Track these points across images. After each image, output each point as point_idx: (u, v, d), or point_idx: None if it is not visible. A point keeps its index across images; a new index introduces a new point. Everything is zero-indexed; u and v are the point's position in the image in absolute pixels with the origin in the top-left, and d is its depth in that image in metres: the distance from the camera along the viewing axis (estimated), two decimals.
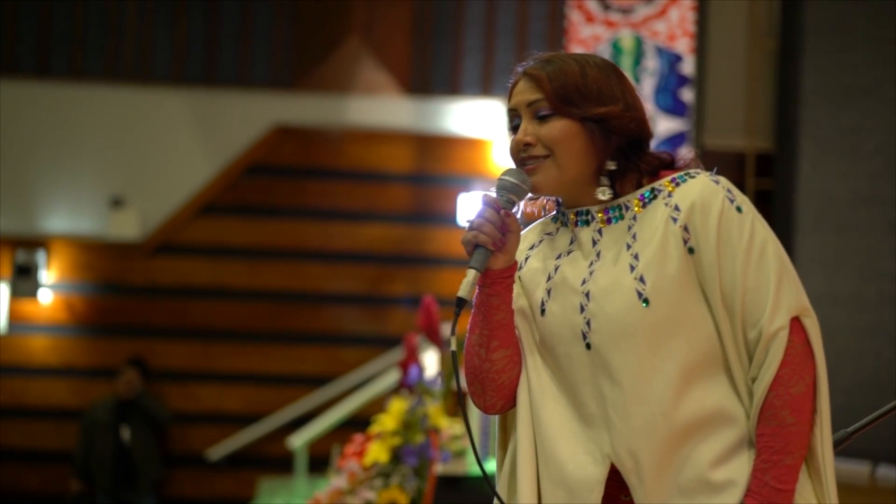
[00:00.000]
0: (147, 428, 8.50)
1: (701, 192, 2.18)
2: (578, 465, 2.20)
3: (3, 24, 8.90)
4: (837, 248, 8.12)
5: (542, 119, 2.26)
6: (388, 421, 4.48)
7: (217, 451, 8.74)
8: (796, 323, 2.18)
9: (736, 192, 2.22)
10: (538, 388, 2.25)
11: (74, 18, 8.92)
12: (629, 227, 2.22)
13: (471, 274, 2.20)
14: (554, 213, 2.34)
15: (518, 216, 2.26)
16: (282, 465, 8.47)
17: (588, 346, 2.19)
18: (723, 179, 2.22)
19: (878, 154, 8.08)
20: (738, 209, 2.18)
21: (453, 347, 2.19)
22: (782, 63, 8.66)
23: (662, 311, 2.15)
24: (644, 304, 2.15)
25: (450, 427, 4.66)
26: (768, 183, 8.67)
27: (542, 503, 2.25)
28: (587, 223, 2.26)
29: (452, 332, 2.19)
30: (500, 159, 8.99)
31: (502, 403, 2.29)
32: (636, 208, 2.23)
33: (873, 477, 7.62)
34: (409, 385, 4.65)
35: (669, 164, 2.28)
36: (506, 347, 2.26)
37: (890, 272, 7.80)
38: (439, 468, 4.60)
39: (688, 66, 7.83)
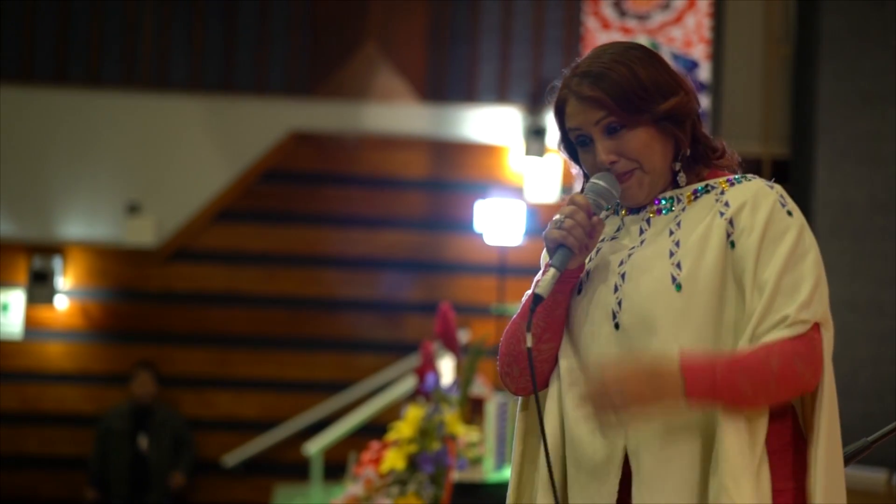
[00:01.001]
0: (166, 438, 8.50)
1: (755, 192, 2.20)
2: (596, 448, 2.21)
3: (20, 30, 8.93)
4: (855, 254, 8.09)
5: (613, 132, 2.24)
6: (404, 428, 4.48)
7: (233, 458, 8.74)
8: (818, 329, 2.16)
9: (789, 199, 2.23)
10: (566, 372, 2.27)
11: (92, 25, 8.95)
12: (676, 217, 2.24)
13: (550, 273, 2.20)
14: None
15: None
16: (298, 471, 8.47)
17: (616, 327, 2.20)
18: (778, 186, 2.24)
19: (895, 160, 8.06)
20: (789, 213, 2.20)
21: (529, 344, 2.19)
22: (798, 69, 8.64)
23: (694, 299, 2.15)
24: (676, 289, 2.16)
25: (466, 434, 4.65)
26: (785, 189, 8.64)
27: (568, 485, 2.27)
28: (637, 212, 2.29)
29: (528, 329, 2.19)
30: (516, 165, 8.99)
31: (536, 386, 2.29)
32: (687, 200, 2.25)
33: (891, 484, 7.59)
34: (426, 392, 4.64)
35: (718, 152, 2.29)
36: (554, 341, 2.28)
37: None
38: (456, 475, 4.60)
39: (704, 73, 7.82)
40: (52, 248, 8.81)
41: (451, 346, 4.78)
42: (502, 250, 8.42)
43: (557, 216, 2.24)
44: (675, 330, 2.15)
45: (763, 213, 2.17)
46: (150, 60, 9.01)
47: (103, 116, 8.95)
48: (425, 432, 4.43)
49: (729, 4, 8.57)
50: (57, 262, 8.75)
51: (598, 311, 2.23)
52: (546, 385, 2.32)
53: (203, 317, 8.87)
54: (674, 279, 2.16)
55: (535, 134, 8.86)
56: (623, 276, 2.22)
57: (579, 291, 2.28)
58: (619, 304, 2.20)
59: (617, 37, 8.05)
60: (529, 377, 2.23)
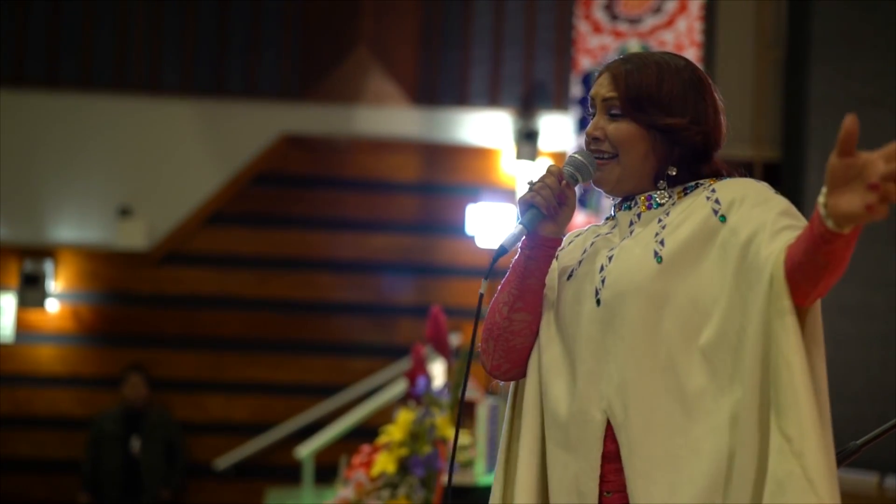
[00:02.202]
0: (159, 442, 8.50)
1: (744, 184, 2.27)
2: (578, 427, 2.25)
3: (12, 33, 8.92)
4: None
5: (613, 117, 2.34)
6: (395, 431, 4.48)
7: (224, 461, 8.74)
8: None
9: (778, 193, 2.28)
10: (549, 361, 2.31)
11: (83, 28, 8.95)
12: (665, 210, 2.31)
13: (517, 228, 2.29)
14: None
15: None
16: (289, 474, 8.46)
17: (598, 303, 2.25)
18: (766, 184, 2.30)
19: None
20: (776, 192, 2.25)
21: (482, 290, 2.26)
22: (790, 73, 8.65)
23: (673, 271, 2.21)
24: (658, 261, 2.22)
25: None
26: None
27: (548, 465, 2.31)
28: (629, 208, 2.35)
29: (486, 277, 2.26)
30: (508, 169, 8.99)
31: (508, 367, 2.37)
32: (677, 196, 2.33)
33: (881, 487, 7.60)
34: (417, 395, 4.64)
35: (721, 174, 2.36)
36: (528, 312, 2.33)
37: None
38: (447, 479, 4.60)
39: None
40: (44, 252, 8.80)
41: (442, 349, 4.78)
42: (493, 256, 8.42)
43: (531, 180, 2.33)
44: (654, 301, 2.20)
45: (752, 193, 2.23)
46: (141, 64, 9.00)
47: (95, 120, 8.94)
48: (416, 436, 4.43)
49: (720, 8, 8.58)
50: (48, 266, 8.74)
51: (584, 293, 2.29)
52: (519, 363, 2.36)
53: (195, 320, 8.87)
54: (656, 254, 2.23)
55: (527, 137, 8.86)
56: (610, 258, 2.29)
57: (569, 278, 2.34)
58: (603, 281, 2.26)
59: (608, 41, 8.06)
60: (502, 354, 2.33)
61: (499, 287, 2.38)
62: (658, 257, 2.22)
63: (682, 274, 2.20)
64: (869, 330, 7.93)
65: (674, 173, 2.32)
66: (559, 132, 8.81)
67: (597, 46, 8.06)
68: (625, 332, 2.21)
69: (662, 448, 2.17)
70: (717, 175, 2.35)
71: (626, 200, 2.36)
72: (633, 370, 2.20)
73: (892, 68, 8.11)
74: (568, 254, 2.39)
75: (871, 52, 8.23)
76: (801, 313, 2.14)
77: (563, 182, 2.31)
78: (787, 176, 8.52)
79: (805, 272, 2.07)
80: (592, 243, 2.36)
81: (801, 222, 2.16)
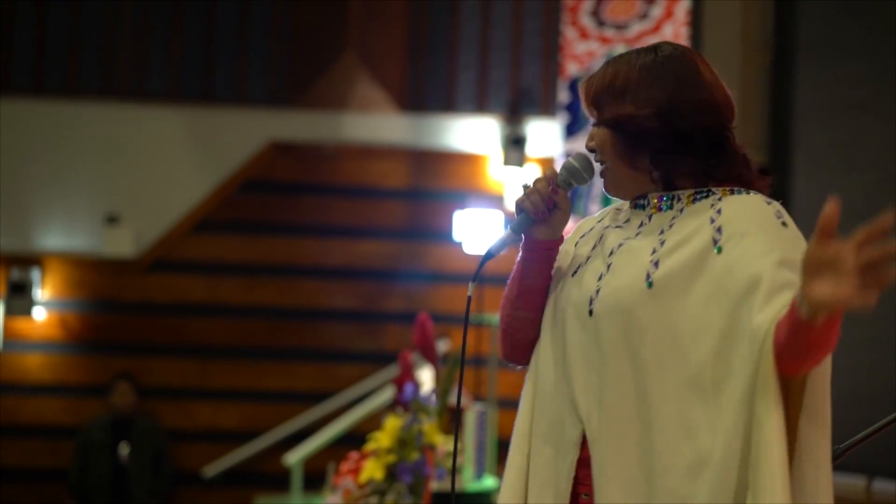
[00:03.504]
0: (147, 450, 8.48)
1: (749, 204, 2.21)
2: (559, 427, 2.27)
3: None
4: None
5: (594, 125, 2.33)
6: (383, 438, 4.47)
7: (213, 469, 8.72)
8: None
9: (787, 215, 2.22)
10: (544, 358, 2.34)
11: (70, 35, 8.93)
12: (673, 217, 2.26)
13: (505, 233, 2.34)
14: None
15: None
16: (277, 482, 8.45)
17: (590, 313, 2.24)
18: (776, 203, 2.24)
19: (873, 169, 8.09)
20: (783, 224, 2.19)
21: (470, 293, 2.31)
22: (776, 78, 8.67)
23: (661, 299, 2.17)
24: (648, 286, 2.19)
25: (445, 444, 4.65)
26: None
27: (531, 457, 2.33)
28: (643, 207, 2.31)
29: (474, 280, 2.31)
30: (496, 175, 9.00)
31: (517, 356, 2.41)
32: (686, 201, 2.27)
33: (869, 491, 7.61)
34: (405, 402, 4.64)
35: (727, 174, 2.28)
36: (527, 310, 2.36)
37: (886, 286, 7.79)
38: (434, 485, 4.60)
39: None
40: (31, 260, 8.78)
41: (430, 356, 4.78)
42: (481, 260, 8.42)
43: (526, 184, 2.35)
44: (644, 324, 2.18)
45: (756, 222, 2.18)
46: (128, 70, 8.99)
47: (82, 127, 8.93)
48: (404, 442, 4.43)
49: (706, 13, 8.60)
50: (35, 274, 8.72)
51: (582, 296, 2.28)
52: (526, 353, 2.38)
53: (182, 327, 8.85)
54: (648, 276, 2.19)
55: (515, 143, 8.87)
56: (609, 266, 2.26)
57: (574, 274, 2.33)
58: (598, 292, 2.25)
59: (595, 46, 8.07)
60: (510, 344, 2.39)
61: (507, 284, 2.41)
62: (649, 281, 2.19)
63: (668, 303, 2.18)
64: (856, 334, 7.93)
65: (657, 174, 2.27)
66: (546, 138, 8.82)
67: (584, 52, 8.07)
68: (607, 349, 2.22)
69: (627, 473, 2.17)
70: (735, 179, 2.27)
71: (640, 198, 2.32)
72: (610, 390, 2.20)
73: (879, 73, 8.13)
74: (583, 245, 2.37)
75: (858, 56, 8.24)
76: (799, 381, 2.12)
77: (552, 188, 2.30)
78: (773, 181, 8.53)
79: (791, 352, 2.05)
80: (602, 237, 2.34)
81: (796, 275, 2.04)
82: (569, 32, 8.12)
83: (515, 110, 9.03)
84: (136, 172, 8.97)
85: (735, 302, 2.11)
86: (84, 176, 8.92)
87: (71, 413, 8.74)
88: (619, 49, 8.01)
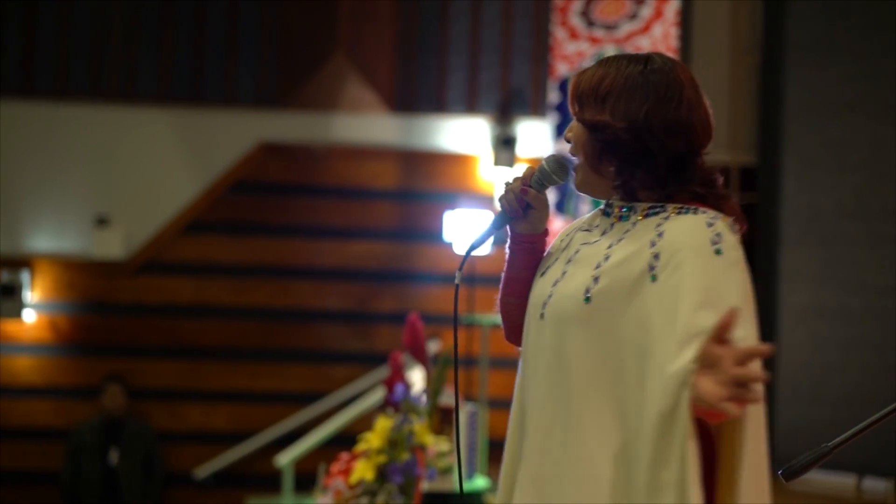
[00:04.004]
0: (137, 453, 8.47)
1: (689, 227, 2.24)
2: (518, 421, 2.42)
3: None
4: (822, 261, 8.14)
5: (575, 119, 2.40)
6: (373, 439, 4.47)
7: (204, 470, 8.72)
8: None
9: (727, 238, 2.23)
10: (521, 358, 2.46)
11: (59, 37, 8.92)
12: (626, 230, 2.31)
13: (485, 228, 2.47)
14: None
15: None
16: (269, 483, 8.45)
17: (542, 316, 2.35)
18: (721, 224, 2.24)
19: (862, 168, 8.11)
20: (717, 252, 2.21)
21: (457, 281, 2.45)
22: (765, 78, 8.68)
23: (597, 314, 2.25)
24: (585, 301, 2.27)
25: (435, 444, 4.65)
26: (752, 197, 8.69)
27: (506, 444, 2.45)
28: (608, 214, 2.39)
29: (460, 269, 2.45)
30: (486, 175, 9.00)
31: (514, 338, 2.51)
32: (640, 214, 2.32)
33: (859, 489, 7.63)
34: (395, 403, 4.64)
35: (689, 193, 2.33)
36: (514, 297, 2.47)
37: (875, 285, 7.82)
38: (425, 485, 4.60)
39: None
40: (20, 262, 8.77)
41: (420, 356, 4.78)
42: (472, 260, 8.43)
43: (507, 181, 2.47)
44: (579, 336, 2.27)
45: (692, 253, 2.20)
46: (118, 72, 8.98)
47: (71, 129, 8.92)
48: (394, 443, 4.43)
49: (696, 14, 8.61)
50: (25, 276, 8.70)
51: (538, 298, 2.39)
52: (516, 334, 2.49)
53: (173, 329, 8.85)
54: (587, 291, 2.27)
55: (505, 143, 8.88)
56: (564, 273, 2.35)
57: (542, 273, 2.43)
58: (550, 297, 2.35)
59: (585, 47, 8.08)
60: (507, 325, 2.50)
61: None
62: (587, 296, 2.26)
63: (604, 320, 2.24)
64: (847, 333, 7.95)
65: (617, 183, 2.33)
66: (537, 138, 8.83)
67: (573, 53, 8.08)
68: (547, 353, 2.32)
69: (543, 474, 2.29)
70: (693, 197, 2.31)
71: (608, 205, 2.39)
72: (543, 391, 2.31)
73: (869, 72, 8.14)
74: (558, 245, 2.47)
75: (847, 56, 8.26)
76: (726, 424, 2.16)
77: (522, 188, 2.40)
78: (763, 180, 8.55)
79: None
80: (571, 238, 2.43)
81: (716, 316, 2.08)
82: (558, 33, 8.13)
83: (505, 111, 9.03)
84: (126, 174, 8.96)
85: (656, 337, 2.17)
86: (74, 178, 8.91)
87: (61, 415, 8.73)
88: (609, 49, 8.02)
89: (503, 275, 2.50)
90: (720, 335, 1.99)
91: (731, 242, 2.23)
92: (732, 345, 1.98)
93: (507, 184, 2.43)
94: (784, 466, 2.28)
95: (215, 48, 9.03)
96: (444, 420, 4.85)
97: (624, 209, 2.34)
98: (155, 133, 8.97)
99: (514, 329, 2.49)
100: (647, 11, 7.94)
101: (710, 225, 2.24)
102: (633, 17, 8.02)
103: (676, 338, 2.13)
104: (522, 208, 2.41)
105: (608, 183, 2.35)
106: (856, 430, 2.22)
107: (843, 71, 8.27)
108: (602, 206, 2.40)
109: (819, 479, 7.62)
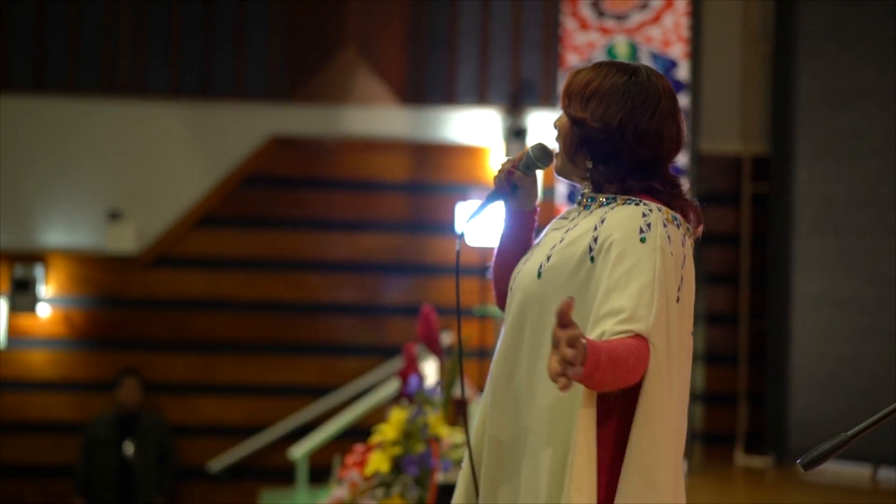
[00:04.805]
0: (152, 446, 8.49)
1: (625, 216, 2.49)
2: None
3: None
4: (836, 250, 8.12)
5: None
6: (388, 430, 4.48)
7: (218, 463, 8.73)
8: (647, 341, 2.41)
9: (656, 229, 2.46)
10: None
11: (69, 32, 8.93)
12: (585, 217, 2.59)
13: (483, 201, 2.76)
14: None
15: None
16: (283, 476, 8.46)
17: (511, 289, 2.65)
18: (655, 216, 2.48)
19: (875, 156, 8.09)
20: (642, 240, 2.46)
21: (458, 248, 2.76)
22: (777, 67, 8.66)
23: (546, 289, 2.53)
24: (537, 276, 2.56)
25: (450, 436, 4.65)
26: (765, 187, 8.67)
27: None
28: (579, 203, 2.66)
29: (459, 238, 2.77)
30: (497, 167, 8.99)
31: (502, 304, 2.74)
32: (597, 205, 2.60)
33: (875, 479, 7.62)
34: (409, 394, 4.65)
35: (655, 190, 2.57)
36: (502, 266, 2.75)
37: (889, 274, 7.80)
38: (440, 477, 4.60)
39: (683, 72, 7.84)
40: (34, 257, 8.79)
41: (434, 348, 4.78)
42: (484, 252, 8.42)
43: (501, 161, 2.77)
44: (534, 311, 2.55)
45: (620, 239, 2.46)
46: (128, 67, 8.99)
47: (82, 124, 8.93)
48: (409, 434, 4.43)
49: (707, 3, 8.59)
50: (39, 271, 8.72)
51: (513, 274, 2.68)
52: (503, 301, 2.73)
53: (186, 323, 8.86)
54: (540, 267, 2.56)
55: (516, 135, 8.87)
56: (532, 253, 2.64)
57: (526, 259, 2.68)
58: (518, 273, 2.65)
59: (595, 37, 8.07)
60: (497, 292, 2.74)
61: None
62: (539, 271, 2.55)
63: (551, 294, 2.51)
64: (860, 323, 7.94)
65: (589, 165, 2.58)
66: (548, 129, 8.81)
67: (584, 43, 8.06)
68: (508, 324, 2.61)
69: (502, 437, 2.57)
70: (649, 191, 2.54)
71: (580, 196, 2.65)
72: (500, 363, 2.61)
73: (878, 62, 8.12)
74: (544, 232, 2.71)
75: (858, 45, 8.23)
76: (632, 397, 2.42)
77: (509, 170, 2.71)
78: (775, 170, 8.53)
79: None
80: (548, 227, 2.69)
81: (624, 299, 2.38)
82: (569, 23, 8.11)
83: (516, 102, 9.03)
84: (138, 169, 8.98)
85: (582, 317, 2.42)
86: (86, 173, 8.93)
87: (76, 409, 8.75)
88: (620, 40, 8.01)
89: (497, 246, 2.77)
90: (562, 319, 2.20)
91: (659, 232, 2.46)
92: (574, 328, 2.21)
93: (501, 165, 2.73)
94: (802, 456, 2.28)
95: (225, 42, 9.03)
96: (458, 411, 4.86)
97: (589, 199, 2.61)
98: (166, 127, 8.98)
99: (501, 297, 2.73)
100: (657, 2, 7.93)
101: (645, 215, 2.48)
102: (644, 7, 8.00)
103: (591, 323, 2.41)
104: (511, 188, 2.71)
105: (580, 173, 2.62)
106: (875, 418, 2.21)
107: (854, 59, 8.24)
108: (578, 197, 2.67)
109: (834, 469, 7.60)
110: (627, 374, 2.36)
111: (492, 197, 2.75)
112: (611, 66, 2.59)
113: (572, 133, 2.59)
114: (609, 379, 2.32)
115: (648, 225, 2.46)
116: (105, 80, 8.97)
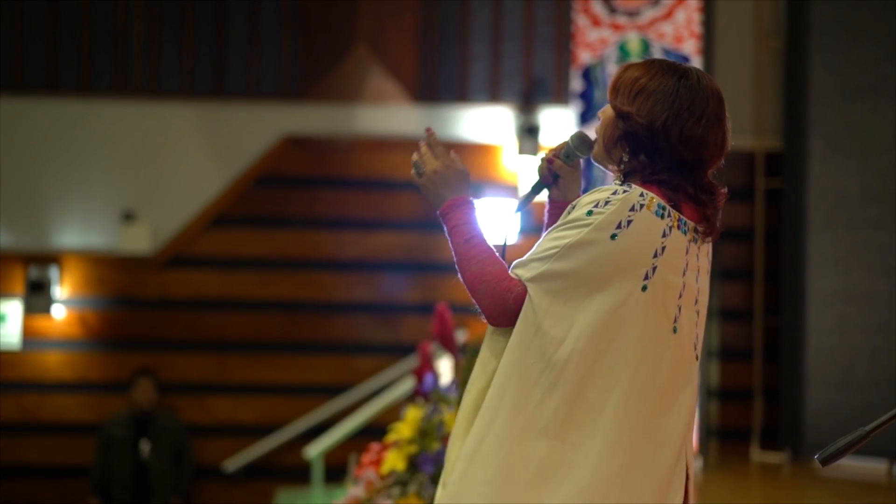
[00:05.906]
0: (167, 446, 8.51)
1: (596, 192, 2.57)
2: None
3: (11, 40, 8.93)
4: (850, 245, 8.11)
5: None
6: (404, 429, 4.48)
7: (233, 463, 8.75)
8: (525, 291, 2.60)
9: (610, 208, 2.50)
10: None
11: (82, 33, 8.95)
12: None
13: (528, 192, 2.85)
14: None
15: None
16: (298, 475, 8.47)
17: None
18: (619, 197, 2.52)
19: (888, 151, 8.08)
20: (588, 213, 2.51)
21: (504, 244, 2.90)
22: (789, 62, 8.65)
23: None
24: None
25: None
26: (778, 182, 8.66)
27: None
28: None
29: (504, 238, 2.89)
30: (510, 164, 8.99)
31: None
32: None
33: (891, 475, 7.60)
34: (425, 393, 4.65)
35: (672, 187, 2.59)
36: None
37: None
38: None
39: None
40: (49, 258, 8.81)
41: (449, 346, 4.78)
42: (497, 249, 8.41)
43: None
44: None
45: (574, 207, 2.57)
46: (141, 68, 9.00)
47: (96, 125, 8.95)
48: (425, 433, 4.43)
49: None
50: (53, 272, 8.75)
51: None
52: None
53: (200, 323, 8.88)
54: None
55: (529, 132, 8.87)
56: None
57: None
58: None
59: (608, 34, 8.06)
60: None
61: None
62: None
63: None
64: (874, 317, 7.93)
65: (624, 162, 2.59)
66: (560, 126, 8.81)
67: (596, 40, 8.06)
68: None
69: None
70: (678, 190, 2.56)
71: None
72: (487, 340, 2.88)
73: (891, 55, 8.11)
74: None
75: (870, 39, 8.22)
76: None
77: (549, 159, 2.79)
78: (788, 164, 8.52)
79: None
80: None
81: (536, 259, 2.58)
82: (581, 20, 8.11)
83: (529, 99, 9.02)
84: (151, 169, 8.99)
85: None
86: (99, 173, 8.95)
87: (91, 410, 8.77)
88: (632, 36, 8.00)
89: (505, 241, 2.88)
90: (429, 138, 2.99)
91: (610, 211, 2.49)
92: (450, 157, 3.00)
93: (544, 155, 2.81)
94: (820, 451, 2.28)
95: (238, 41, 9.04)
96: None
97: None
98: (179, 127, 9.00)
99: None
100: None
101: (614, 194, 2.52)
102: (656, 3, 8.00)
103: None
104: (552, 176, 2.79)
105: (613, 164, 2.65)
106: (892, 413, 2.21)
107: (867, 53, 8.23)
108: None
109: (850, 465, 7.59)
110: (466, 269, 2.77)
111: (536, 187, 2.82)
112: (661, 65, 2.63)
113: (615, 125, 2.62)
114: (457, 257, 2.75)
115: (606, 202, 2.51)
116: (118, 81, 8.99)
